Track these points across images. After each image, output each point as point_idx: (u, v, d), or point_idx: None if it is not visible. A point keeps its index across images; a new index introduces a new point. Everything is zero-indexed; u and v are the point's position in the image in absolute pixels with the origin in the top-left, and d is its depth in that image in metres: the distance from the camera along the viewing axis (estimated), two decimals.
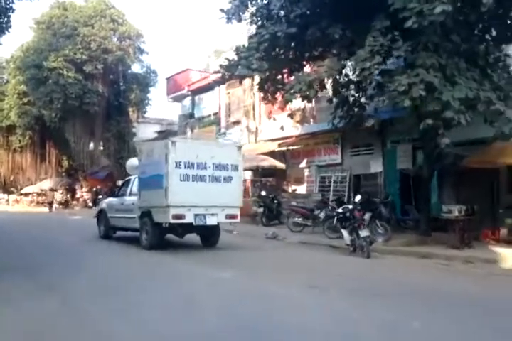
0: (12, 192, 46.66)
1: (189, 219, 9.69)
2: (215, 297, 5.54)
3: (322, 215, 12.59)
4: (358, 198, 9.89)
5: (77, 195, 34.57)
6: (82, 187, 34.17)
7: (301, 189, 18.64)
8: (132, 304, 5.18)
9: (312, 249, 10.40)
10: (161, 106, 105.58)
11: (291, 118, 15.83)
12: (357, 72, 9.07)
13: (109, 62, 24.72)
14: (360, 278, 7.07)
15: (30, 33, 27.05)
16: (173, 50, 79.55)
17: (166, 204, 9.56)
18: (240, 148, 11.05)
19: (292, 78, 11.00)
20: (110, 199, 13.54)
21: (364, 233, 8.55)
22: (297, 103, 18.25)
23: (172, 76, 29.74)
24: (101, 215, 13.04)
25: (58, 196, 34.68)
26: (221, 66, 11.48)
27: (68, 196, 34.85)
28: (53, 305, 4.97)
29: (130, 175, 13.08)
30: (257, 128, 20.88)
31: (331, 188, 17.11)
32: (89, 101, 24.78)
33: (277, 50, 10.79)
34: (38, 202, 40.30)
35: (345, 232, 9.14)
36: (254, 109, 21.10)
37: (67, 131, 29.07)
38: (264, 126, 20.48)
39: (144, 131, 33.63)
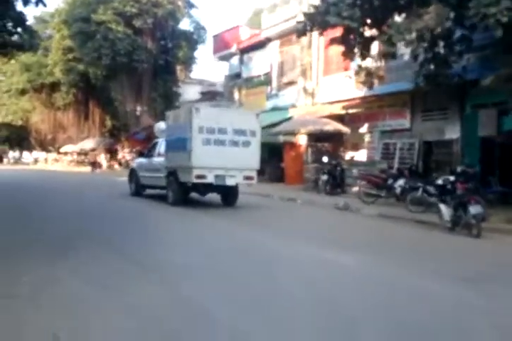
0: (50, 151, 47.25)
1: (210, 179, 10.87)
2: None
3: (398, 185, 11.76)
4: (459, 168, 8.99)
5: (119, 156, 34.58)
6: (123, 148, 34.12)
7: (360, 156, 17.75)
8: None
9: (397, 223, 9.61)
10: (202, 66, 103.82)
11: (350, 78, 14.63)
12: (476, 20, 7.84)
13: (159, 17, 23.78)
14: (507, 264, 6.17)
15: None
16: (219, 5, 77.24)
17: (189, 165, 10.78)
18: (257, 115, 12.01)
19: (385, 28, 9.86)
20: (140, 159, 14.91)
21: (476, 209, 7.65)
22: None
23: (220, 33, 28.75)
24: (132, 174, 14.46)
25: (101, 157, 34.81)
26: (305, 14, 10.45)
27: (108, 156, 34.84)
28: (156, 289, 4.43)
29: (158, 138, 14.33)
30: (313, 89, 19.79)
31: (396, 156, 16.24)
32: (138, 58, 24.08)
33: None
34: (78, 162, 40.74)
35: (444, 207, 8.29)
36: (311, 68, 19.90)
37: (113, 90, 28.72)
38: (322, 87, 19.46)
39: (187, 92, 33.02)
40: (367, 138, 17.76)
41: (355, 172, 16.89)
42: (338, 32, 18.49)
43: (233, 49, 26.43)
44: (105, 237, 7.07)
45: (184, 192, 11.75)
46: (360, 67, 16.68)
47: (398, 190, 11.74)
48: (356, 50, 11.43)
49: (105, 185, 19.01)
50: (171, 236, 7.49)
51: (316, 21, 10.13)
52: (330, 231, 8.51)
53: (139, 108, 27.34)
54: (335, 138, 18.86)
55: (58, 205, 11.36)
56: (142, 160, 14.50)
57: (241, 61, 26.46)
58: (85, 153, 38.93)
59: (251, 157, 11.39)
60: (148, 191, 13.81)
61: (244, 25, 27.59)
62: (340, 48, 18.63)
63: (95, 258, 5.50)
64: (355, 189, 15.94)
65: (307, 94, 19.60)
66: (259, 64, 24.75)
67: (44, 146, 50.17)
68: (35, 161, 46.52)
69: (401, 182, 11.77)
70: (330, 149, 19.58)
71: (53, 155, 46.26)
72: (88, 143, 36.36)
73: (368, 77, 16.55)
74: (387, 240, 7.77)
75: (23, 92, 37.27)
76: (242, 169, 11.30)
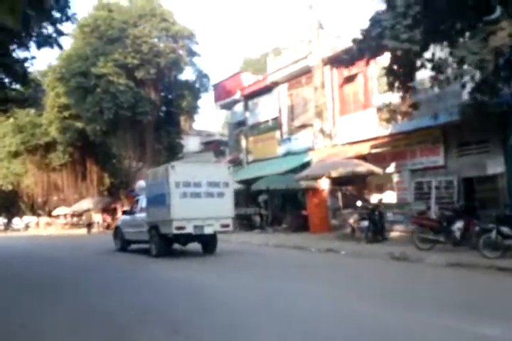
0: (40, 215, 46.11)
1: (189, 229, 12.08)
2: None
3: (456, 228, 10.79)
4: None
5: (118, 215, 33.43)
6: (122, 206, 33.06)
7: (387, 197, 16.89)
8: None
9: (476, 273, 8.45)
10: (199, 117, 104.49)
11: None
12: None
13: (162, 67, 23.57)
14: None
15: (69, 41, 26.17)
16: (208, 56, 78.89)
17: (169, 218, 11.96)
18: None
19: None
20: (124, 216, 16.38)
21: None
22: (385, 97, 16.82)
23: (221, 81, 28.75)
24: (117, 231, 15.96)
25: (98, 217, 33.67)
26: (354, 41, 9.87)
27: (106, 216, 33.65)
28: None
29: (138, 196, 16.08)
30: (331, 130, 19.28)
31: (433, 195, 15.46)
32: (141, 110, 23.61)
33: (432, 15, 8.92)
34: (72, 224, 39.57)
35: None
36: (326, 109, 19.50)
37: (115, 145, 28.10)
38: (340, 127, 18.97)
39: (187, 143, 32.52)
40: (395, 178, 17.04)
41: (391, 216, 16.05)
42: (353, 69, 18.50)
43: (237, 96, 26.34)
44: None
45: (166, 244, 12.94)
46: (385, 103, 16.25)
47: (458, 234, 10.75)
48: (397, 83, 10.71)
49: (99, 244, 18.58)
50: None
51: (369, 47, 9.49)
52: (406, 288, 7.21)
53: (140, 163, 26.58)
54: (356, 180, 18.13)
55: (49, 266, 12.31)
56: (126, 217, 16.00)
57: (246, 107, 26.27)
58: (80, 214, 37.88)
59: (225, 206, 12.72)
60: (133, 246, 15.22)
61: (246, 72, 27.43)
62: (356, 87, 18.70)
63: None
64: (394, 234, 15.03)
65: (325, 135, 19.11)
66: (266, 109, 24.53)
67: (34, 210, 49.07)
68: (27, 227, 45.11)
69: (459, 224, 10.80)
70: (355, 192, 18.84)
71: (45, 219, 45.06)
72: (85, 204, 35.45)
73: (393, 113, 16.08)
74: (487, 297, 6.63)
75: (15, 155, 36.53)
76: (219, 218, 12.61)
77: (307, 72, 20.60)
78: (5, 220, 46.06)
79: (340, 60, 11.64)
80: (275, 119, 23.81)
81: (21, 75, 12.14)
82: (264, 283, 7.82)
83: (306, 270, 9.42)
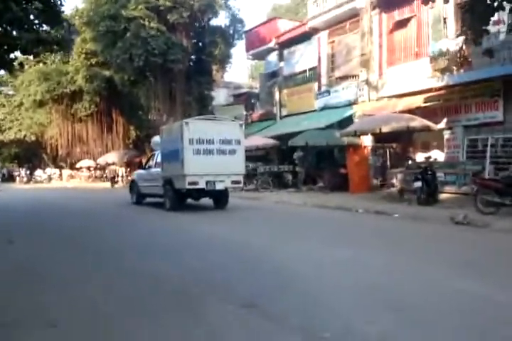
0: (62, 167, 46.22)
1: (202, 185, 12.75)
2: None
3: None
4: None
5: None
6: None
7: (435, 156, 15.90)
8: None
9: None
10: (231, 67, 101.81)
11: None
12: None
13: (195, 9, 22.33)
14: None
15: None
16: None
17: (183, 173, 12.63)
18: (241, 125, 13.88)
19: None
20: (140, 171, 17.31)
21: None
22: (440, 45, 15.65)
23: (254, 28, 27.42)
24: (133, 185, 16.93)
25: (122, 170, 33.32)
26: None
27: (129, 170, 33.21)
28: None
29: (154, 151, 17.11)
30: (377, 82, 18.16)
31: (487, 154, 14.39)
32: (173, 57, 22.47)
33: None
34: (96, 177, 39.48)
35: None
36: (373, 58, 18.31)
37: (144, 95, 27.25)
38: (388, 79, 17.82)
39: (216, 95, 31.41)
40: (446, 134, 15.99)
41: (441, 176, 15.14)
42: (406, 12, 17.20)
43: (271, 44, 25.12)
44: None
45: (179, 198, 13.69)
46: (442, 51, 15.09)
47: None
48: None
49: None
50: None
51: None
52: (489, 258, 6.54)
53: (168, 115, 25.79)
54: (401, 137, 17.21)
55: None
56: (141, 171, 16.88)
57: (281, 57, 25.15)
58: (103, 168, 37.70)
59: (237, 163, 13.37)
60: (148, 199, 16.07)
61: (283, 18, 26.05)
62: (408, 33, 17.39)
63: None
64: (444, 196, 14.19)
65: (371, 87, 17.96)
66: (303, 58, 23.43)
67: (57, 162, 49.24)
68: (50, 179, 45.22)
69: None
70: (399, 150, 17.95)
71: (68, 171, 45.11)
72: (110, 157, 35.11)
73: (451, 62, 14.96)
74: None
75: (40, 104, 36.02)
76: (230, 174, 13.26)
77: (352, 16, 19.34)
78: (27, 172, 46.24)
79: None
80: (313, 69, 22.70)
81: (53, 15, 11.38)
82: (322, 249, 7.16)
83: (363, 234, 8.69)
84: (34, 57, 14.64)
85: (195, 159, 12.67)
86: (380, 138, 17.54)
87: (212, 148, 12.93)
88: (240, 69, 78.98)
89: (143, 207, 15.36)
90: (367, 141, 17.75)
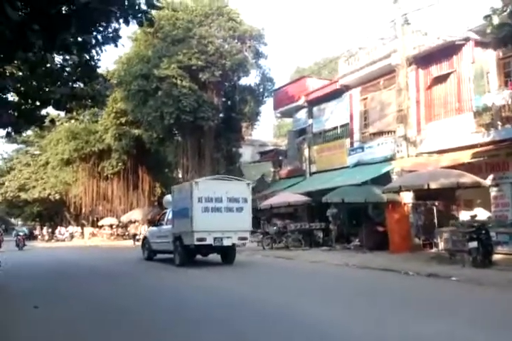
0: (84, 225, 46.13)
1: (209, 241, 13.48)
2: None
3: None
4: None
5: None
6: None
7: (481, 215, 15.03)
8: None
9: None
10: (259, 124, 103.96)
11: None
12: None
13: (227, 69, 22.66)
14: None
15: (128, 44, 25.65)
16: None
17: (191, 230, 13.37)
18: (248, 184, 14.79)
19: None
20: (151, 228, 18.52)
21: None
22: (485, 99, 15.28)
23: (282, 86, 27.70)
24: (145, 241, 17.81)
25: (144, 227, 32.82)
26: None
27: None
28: None
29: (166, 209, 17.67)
30: (415, 138, 17.72)
31: None
32: (203, 115, 22.61)
33: None
34: (118, 235, 39.01)
35: None
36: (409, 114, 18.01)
37: (172, 153, 27.25)
38: (427, 134, 17.37)
39: (242, 152, 31.30)
40: (493, 192, 15.22)
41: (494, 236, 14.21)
42: (444, 68, 17.03)
43: (300, 101, 25.16)
44: None
45: (188, 254, 14.40)
46: (486, 106, 14.68)
47: None
48: None
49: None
50: None
51: None
52: None
53: (195, 172, 25.59)
54: (443, 195, 16.50)
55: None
56: (153, 228, 17.91)
57: (310, 114, 25.10)
58: (126, 225, 37.31)
59: (244, 220, 14.10)
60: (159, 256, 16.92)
61: (313, 76, 26.30)
62: (447, 89, 17.15)
63: None
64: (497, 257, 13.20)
65: (409, 143, 17.45)
66: (333, 115, 23.26)
67: (79, 220, 49.18)
68: (71, 237, 44.98)
69: None
70: (441, 208, 17.17)
71: (89, 229, 44.89)
72: (135, 214, 34.81)
73: (496, 117, 14.52)
74: None
75: (67, 163, 36.40)
76: (237, 231, 13.97)
77: (386, 73, 19.24)
78: (49, 230, 46.09)
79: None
80: (344, 126, 22.45)
81: (89, 69, 11.32)
82: (403, 322, 6.30)
83: (428, 303, 7.71)
84: (66, 113, 14.59)
85: (203, 216, 13.45)
86: (420, 195, 16.89)
87: (220, 206, 13.75)
88: (264, 128, 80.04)
89: (164, 264, 15.46)
90: (407, 198, 17.03)
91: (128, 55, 24.87)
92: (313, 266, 14.11)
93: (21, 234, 28.02)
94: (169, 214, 15.96)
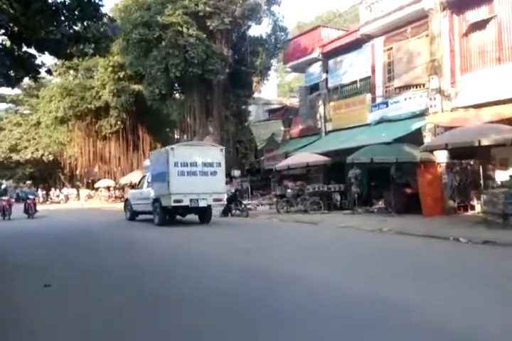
0: (78, 187, 45.06)
1: (186, 202, 14.71)
2: None
3: None
4: None
5: None
6: None
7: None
8: None
9: None
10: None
11: None
12: None
13: (238, 16, 20.64)
14: None
15: None
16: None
17: (168, 192, 14.61)
18: (222, 150, 15.91)
19: None
20: (132, 190, 20.21)
21: None
22: None
23: (294, 38, 25.70)
24: (127, 203, 19.12)
25: None
26: None
27: None
28: None
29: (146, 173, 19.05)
30: (449, 91, 16.23)
31: None
32: (212, 67, 20.67)
33: None
34: (116, 197, 37.93)
35: None
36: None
37: (177, 110, 25.48)
38: (462, 87, 15.87)
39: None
40: None
41: None
42: (483, 13, 15.37)
43: (315, 54, 23.33)
44: None
45: (166, 215, 15.64)
46: None
47: None
48: None
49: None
50: None
51: None
52: None
53: (211, 130, 23.95)
54: (477, 153, 15.26)
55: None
56: (134, 191, 19.37)
57: (325, 68, 23.31)
58: (122, 188, 36.14)
59: (218, 183, 15.43)
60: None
61: (328, 26, 24.34)
62: (486, 36, 15.55)
63: None
64: None
65: (444, 96, 15.96)
66: (352, 68, 21.66)
67: (73, 182, 48.05)
68: (67, 199, 44.06)
69: None
70: (477, 168, 15.95)
71: (85, 191, 43.79)
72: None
73: None
74: None
75: (62, 121, 34.54)
76: (212, 193, 15.25)
77: (415, 19, 17.61)
78: (43, 192, 44.93)
79: None
80: (365, 80, 20.89)
81: (92, 8, 9.64)
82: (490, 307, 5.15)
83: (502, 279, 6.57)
84: (66, 59, 12.86)
85: (179, 180, 14.66)
86: (453, 154, 15.62)
87: (195, 170, 14.96)
88: (266, 86, 77.51)
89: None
90: (441, 157, 15.73)
91: (125, 1, 22.66)
92: (344, 232, 13.04)
93: (31, 197, 21.92)
94: (148, 178, 17.21)
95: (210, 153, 15.58)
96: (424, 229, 11.89)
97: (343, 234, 12.84)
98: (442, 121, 15.57)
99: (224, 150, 15.94)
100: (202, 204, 14.94)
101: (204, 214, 16.01)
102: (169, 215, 15.81)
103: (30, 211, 21.30)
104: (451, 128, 14.59)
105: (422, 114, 16.87)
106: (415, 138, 16.47)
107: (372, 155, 16.10)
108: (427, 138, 16.20)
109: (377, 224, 13.69)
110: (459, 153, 15.12)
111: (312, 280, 6.45)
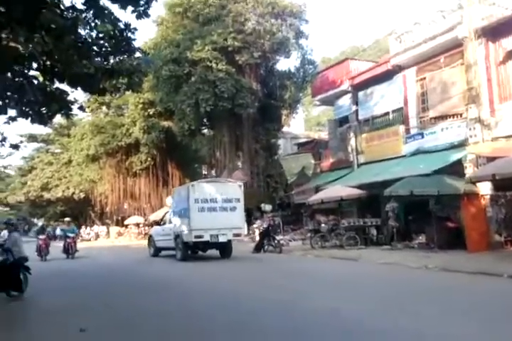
0: (108, 224, 45.06)
1: (206, 238, 15.32)
2: None
3: None
4: None
5: None
6: None
7: None
8: None
9: None
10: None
11: None
12: None
13: (267, 50, 20.63)
14: None
15: (153, 29, 23.76)
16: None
17: (189, 228, 15.34)
18: (240, 186, 16.50)
19: None
20: (155, 227, 20.43)
21: None
22: None
23: (322, 71, 25.58)
24: (150, 239, 19.66)
25: None
26: None
27: None
28: None
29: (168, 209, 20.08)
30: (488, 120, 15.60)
31: None
32: (242, 101, 20.61)
33: None
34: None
35: None
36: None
37: (207, 145, 25.37)
38: (503, 116, 15.23)
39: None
40: None
41: None
42: None
43: (344, 86, 23.06)
44: None
45: (188, 250, 16.15)
46: None
47: None
48: None
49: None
50: None
51: None
52: None
53: (239, 164, 23.67)
54: None
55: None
56: (157, 227, 19.64)
57: (355, 100, 22.95)
58: (151, 225, 35.90)
59: (237, 219, 15.94)
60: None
61: (357, 59, 24.20)
62: None
63: None
64: None
65: (484, 126, 15.34)
66: (383, 100, 21.17)
67: (103, 220, 48.14)
68: (97, 236, 44.02)
69: None
70: None
71: (115, 228, 43.74)
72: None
73: None
74: None
75: (93, 159, 34.88)
76: (231, 228, 15.63)
77: (449, 49, 17.24)
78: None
79: None
80: (397, 111, 20.41)
81: (124, 42, 9.53)
82: None
83: None
84: (99, 95, 12.78)
85: (200, 216, 15.23)
86: (497, 186, 14.84)
87: (215, 206, 15.51)
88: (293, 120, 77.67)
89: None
90: (484, 188, 14.96)
91: (154, 39, 23.02)
92: (387, 269, 12.39)
93: (71, 235, 20.16)
94: (171, 214, 17.74)
95: (229, 189, 16.15)
96: (472, 266, 11.19)
97: (386, 271, 12.17)
98: (484, 152, 14.89)
99: (242, 187, 16.42)
100: (222, 239, 15.43)
101: (224, 249, 16.37)
102: (191, 250, 16.38)
103: (70, 250, 19.85)
104: (493, 158, 13.94)
105: (461, 144, 16.25)
106: (455, 169, 15.81)
107: (411, 187, 15.42)
108: (469, 170, 15.50)
109: (421, 260, 12.97)
110: (503, 184, 14.36)
111: (365, 326, 5.84)
